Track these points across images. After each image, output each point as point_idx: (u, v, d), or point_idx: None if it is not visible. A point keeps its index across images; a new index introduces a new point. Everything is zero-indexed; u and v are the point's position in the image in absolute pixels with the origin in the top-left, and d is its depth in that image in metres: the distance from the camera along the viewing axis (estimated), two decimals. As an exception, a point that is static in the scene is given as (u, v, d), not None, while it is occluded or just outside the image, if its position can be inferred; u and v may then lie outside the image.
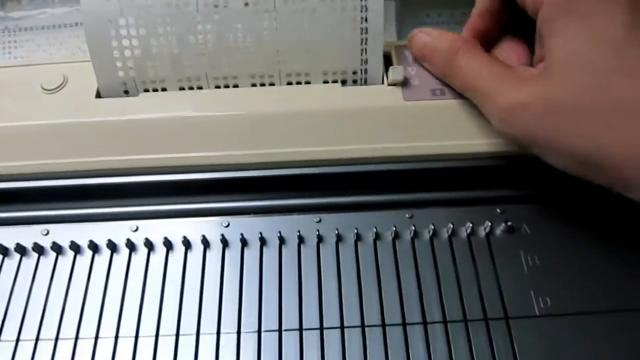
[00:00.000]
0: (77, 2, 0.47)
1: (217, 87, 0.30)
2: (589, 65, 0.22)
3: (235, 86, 0.30)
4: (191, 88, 0.30)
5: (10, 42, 0.46)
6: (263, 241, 0.28)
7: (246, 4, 0.27)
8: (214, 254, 0.28)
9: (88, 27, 0.28)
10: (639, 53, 0.22)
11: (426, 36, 0.29)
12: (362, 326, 0.26)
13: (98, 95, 0.30)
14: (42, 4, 0.47)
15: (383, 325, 0.26)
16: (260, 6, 0.28)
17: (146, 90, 0.30)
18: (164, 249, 0.28)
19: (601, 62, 0.22)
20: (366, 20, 0.28)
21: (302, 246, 0.28)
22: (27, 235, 0.29)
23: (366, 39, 0.29)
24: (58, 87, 0.30)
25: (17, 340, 0.26)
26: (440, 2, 0.47)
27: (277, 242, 0.28)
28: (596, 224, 0.29)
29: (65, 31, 0.46)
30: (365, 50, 0.29)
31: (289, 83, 0.30)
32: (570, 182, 0.29)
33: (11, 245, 0.28)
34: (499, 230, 0.29)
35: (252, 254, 0.28)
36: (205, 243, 0.28)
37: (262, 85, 0.30)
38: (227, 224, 0.29)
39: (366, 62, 0.29)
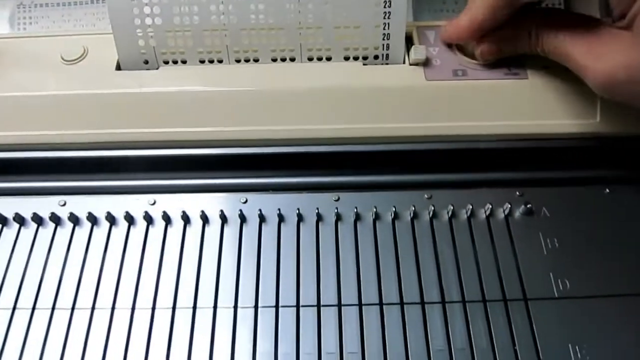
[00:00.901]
0: (94, -21, 0.46)
1: (237, 60, 0.30)
2: None
3: (256, 60, 0.30)
4: (211, 61, 0.30)
5: (26, 18, 0.46)
6: (281, 218, 0.28)
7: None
8: (231, 230, 0.28)
9: (110, -2, 0.28)
10: None
11: (495, 42, 0.29)
12: (380, 304, 0.25)
13: (118, 67, 0.30)
14: (58, -19, 0.47)
15: (401, 303, 0.25)
16: None
17: (166, 62, 0.30)
18: (182, 223, 0.28)
19: None
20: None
21: (320, 224, 0.28)
22: (44, 205, 0.29)
23: (389, 15, 0.28)
24: (78, 58, 0.30)
25: (33, 308, 0.25)
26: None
27: (296, 219, 0.28)
28: (616, 208, 0.29)
29: (81, 8, 0.45)
30: (388, 25, 0.29)
31: (310, 58, 0.30)
32: (591, 165, 0.29)
33: (28, 215, 0.28)
34: (518, 212, 0.28)
35: (270, 230, 0.28)
36: (223, 218, 0.28)
37: (283, 60, 0.30)
38: (245, 200, 0.29)
39: (388, 38, 0.29)
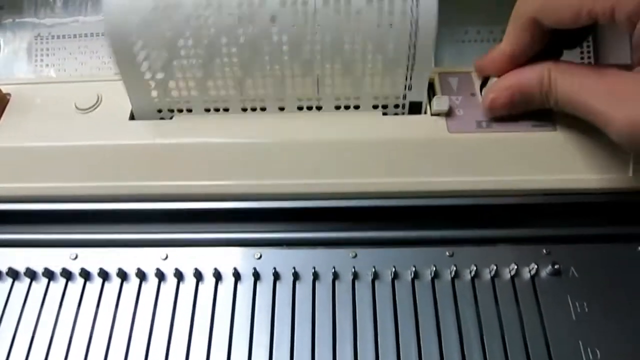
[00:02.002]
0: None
1: (253, 109, 0.29)
2: None
3: (282, 109, 0.29)
4: (226, 109, 0.29)
5: (43, 49, 0.46)
6: (296, 276, 0.27)
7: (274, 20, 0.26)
8: (245, 287, 0.27)
9: (116, 46, 0.27)
10: None
11: (508, 88, 0.27)
12: (399, 370, 0.24)
13: (132, 117, 0.29)
14: (74, 12, 0.46)
15: (420, 368, 0.24)
16: (300, 26, 0.26)
17: (180, 111, 0.29)
18: (194, 280, 0.27)
19: None
20: (415, 47, 0.26)
21: (336, 282, 0.27)
22: (56, 258, 0.28)
23: (412, 64, 0.27)
24: (92, 106, 0.29)
25: None
26: (479, 20, 0.45)
27: (311, 277, 0.27)
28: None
29: (97, 40, 0.45)
30: (411, 75, 0.27)
31: (327, 107, 0.29)
32: (622, 221, 0.28)
33: (39, 269, 0.28)
34: (545, 272, 0.27)
35: (284, 288, 0.27)
36: (237, 276, 0.27)
37: (300, 109, 0.29)
38: (259, 255, 0.28)
39: (410, 88, 0.28)
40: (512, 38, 0.27)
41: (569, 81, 0.25)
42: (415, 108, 0.29)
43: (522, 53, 0.27)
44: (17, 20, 0.47)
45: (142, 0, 0.26)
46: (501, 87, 0.27)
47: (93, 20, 0.46)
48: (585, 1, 0.24)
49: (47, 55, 0.46)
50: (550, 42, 0.27)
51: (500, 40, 0.43)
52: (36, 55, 0.46)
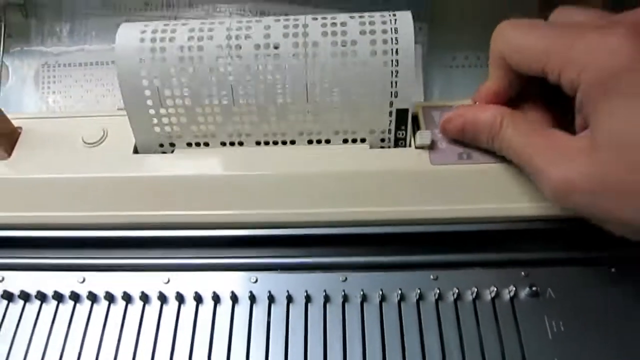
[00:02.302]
0: (114, 40, 0.48)
1: (258, 143, 0.31)
2: (637, 144, 0.22)
3: (267, 143, 0.31)
4: (223, 143, 0.31)
5: (50, 77, 0.48)
6: (289, 299, 0.29)
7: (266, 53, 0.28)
8: (242, 309, 0.29)
9: (124, 88, 0.29)
10: None
11: (462, 116, 0.29)
12: (386, 390, 0.26)
13: (135, 151, 0.31)
14: (80, 41, 0.49)
15: (406, 389, 0.26)
16: (291, 62, 0.28)
17: (189, 145, 0.31)
18: (194, 303, 0.29)
19: None
20: (396, 85, 0.28)
21: (327, 305, 0.29)
22: (65, 282, 0.30)
23: (396, 100, 0.29)
24: (98, 141, 0.31)
25: None
26: (467, 45, 0.47)
27: (304, 299, 0.29)
28: (626, 290, 0.29)
29: (101, 68, 0.47)
30: (394, 111, 0.29)
31: (317, 141, 0.31)
32: (598, 245, 0.30)
33: (50, 292, 0.30)
34: (524, 294, 0.29)
35: (278, 310, 0.29)
36: (234, 298, 0.29)
37: (292, 142, 0.31)
38: (255, 279, 0.30)
39: (394, 123, 0.30)
40: (491, 75, 0.29)
41: (518, 132, 0.27)
42: (400, 141, 0.31)
43: (503, 90, 0.29)
44: (24, 48, 0.49)
45: (149, 47, 0.28)
46: (458, 113, 0.29)
47: (98, 49, 0.48)
48: (541, 57, 0.25)
49: (54, 82, 0.48)
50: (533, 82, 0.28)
51: (484, 66, 0.46)
52: (43, 83, 0.48)
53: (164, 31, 0.29)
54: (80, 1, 0.49)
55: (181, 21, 0.29)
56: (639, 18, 0.24)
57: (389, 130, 0.30)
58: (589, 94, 0.24)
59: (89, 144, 0.31)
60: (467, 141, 0.29)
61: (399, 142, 0.30)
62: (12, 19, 0.49)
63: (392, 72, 0.28)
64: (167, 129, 0.30)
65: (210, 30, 0.29)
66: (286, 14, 0.31)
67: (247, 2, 0.46)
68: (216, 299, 0.29)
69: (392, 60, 0.28)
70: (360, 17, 0.28)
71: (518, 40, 0.26)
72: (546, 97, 0.29)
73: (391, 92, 0.28)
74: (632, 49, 0.23)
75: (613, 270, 0.30)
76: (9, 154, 0.32)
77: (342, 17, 0.28)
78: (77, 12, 0.49)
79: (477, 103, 0.30)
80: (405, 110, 0.29)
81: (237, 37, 0.28)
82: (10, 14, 0.49)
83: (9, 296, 0.30)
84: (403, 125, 0.29)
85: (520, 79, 0.28)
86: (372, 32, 0.28)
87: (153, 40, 0.29)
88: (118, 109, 0.32)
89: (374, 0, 0.46)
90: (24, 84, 0.49)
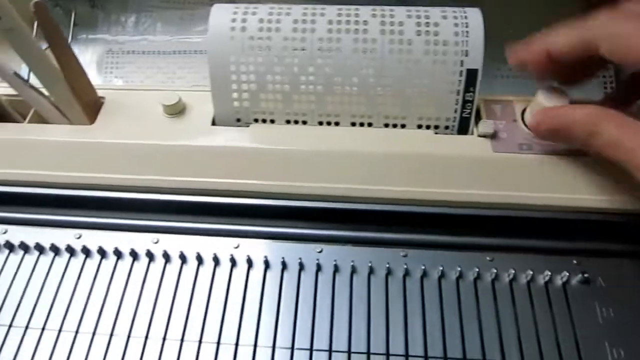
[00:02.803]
0: (177, 33, 0.51)
1: (321, 123, 0.33)
2: None
3: (337, 124, 0.33)
4: (296, 122, 0.33)
5: (113, 63, 0.51)
6: (353, 270, 0.30)
7: (355, 50, 0.30)
8: (308, 277, 0.30)
9: (212, 62, 0.31)
10: None
11: (555, 117, 0.29)
12: (445, 358, 0.27)
13: (213, 123, 0.33)
14: (144, 32, 0.51)
15: (464, 359, 0.27)
16: (368, 54, 0.31)
17: (256, 121, 0.33)
18: (263, 267, 0.31)
19: None
20: (466, 44, 0.30)
21: (389, 277, 0.30)
22: (140, 242, 0.32)
23: (463, 90, 0.31)
24: (178, 112, 0.33)
25: (42, 329, 0.29)
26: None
27: (367, 271, 0.30)
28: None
29: (164, 58, 0.50)
30: (461, 99, 0.31)
31: (386, 125, 0.33)
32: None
33: (126, 250, 0.31)
34: (575, 280, 0.30)
35: (342, 280, 0.30)
36: (301, 266, 0.30)
37: (362, 125, 0.33)
38: (321, 250, 0.31)
39: (460, 111, 0.32)
40: (563, 42, 0.28)
41: (618, 130, 0.26)
42: (462, 130, 0.33)
43: (563, 59, 0.28)
44: (90, 36, 0.52)
45: (242, 29, 0.31)
46: (549, 114, 0.29)
47: (160, 39, 0.51)
48: None
49: (116, 68, 0.51)
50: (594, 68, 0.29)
51: (525, 77, 0.48)
52: (106, 68, 0.51)
53: (253, 13, 0.31)
54: (146, -6, 0.52)
55: (268, 6, 0.31)
56: None
57: (454, 118, 0.32)
58: None
59: (169, 114, 0.33)
60: (560, 141, 0.30)
61: (464, 121, 0.32)
62: (80, 9, 0.52)
63: (462, 32, 0.30)
64: (246, 104, 0.32)
65: (312, 22, 0.31)
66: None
67: None
68: (284, 265, 0.31)
69: (462, 31, 0.30)
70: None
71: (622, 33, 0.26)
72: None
73: (461, 51, 0.30)
74: None
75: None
76: (93, 121, 0.34)
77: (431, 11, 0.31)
78: (143, 4, 0.52)
79: (521, 56, 0.30)
80: (475, 71, 0.30)
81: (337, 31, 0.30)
82: (78, 5, 0.52)
83: (87, 252, 0.31)
84: (472, 87, 0.30)
85: (589, 64, 0.28)
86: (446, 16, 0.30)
87: (244, 21, 0.31)
88: (193, 86, 0.34)
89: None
90: (87, 68, 0.50)
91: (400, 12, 0.30)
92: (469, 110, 0.31)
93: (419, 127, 0.33)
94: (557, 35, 0.28)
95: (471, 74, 0.30)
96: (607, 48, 0.26)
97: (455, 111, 0.32)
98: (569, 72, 0.30)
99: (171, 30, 0.51)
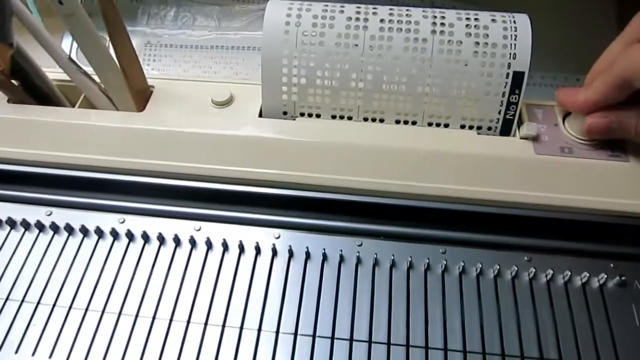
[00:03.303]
0: (215, 28, 0.52)
1: (365, 119, 0.34)
2: None
3: (382, 121, 0.34)
4: (342, 117, 0.34)
5: (150, 55, 0.52)
6: (393, 264, 0.31)
7: (406, 49, 0.31)
8: (347, 270, 0.31)
9: (265, 55, 0.32)
10: None
11: (608, 116, 0.31)
12: (484, 353, 0.28)
13: (260, 115, 0.34)
14: (183, 26, 0.52)
15: (502, 355, 0.28)
16: (418, 53, 0.31)
17: (302, 115, 0.34)
18: (304, 258, 0.31)
19: None
20: (515, 47, 0.31)
21: (428, 273, 0.31)
22: (183, 228, 0.32)
23: (508, 92, 0.32)
24: (226, 103, 0.34)
25: (86, 309, 0.29)
26: (543, 66, 0.50)
27: (406, 266, 0.31)
28: None
29: (201, 52, 0.51)
30: (507, 101, 0.32)
31: (430, 124, 0.33)
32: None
33: (169, 236, 0.32)
34: (612, 283, 0.31)
35: (382, 274, 0.31)
36: (341, 258, 0.31)
37: (406, 123, 0.34)
38: (360, 243, 0.32)
39: (504, 112, 0.32)
40: (602, 90, 0.31)
41: None
42: (504, 132, 0.33)
43: (606, 104, 0.31)
44: (129, 28, 0.53)
45: (296, 24, 0.31)
46: (600, 115, 0.31)
47: (199, 34, 0.52)
48: None
49: (154, 60, 0.52)
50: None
51: (561, 85, 0.48)
52: (144, 60, 0.52)
53: (308, 10, 0.32)
54: (187, -10, 0.53)
55: (322, 3, 0.32)
56: None
57: (497, 120, 0.33)
58: None
59: (217, 104, 0.34)
60: (614, 137, 0.31)
61: (507, 123, 0.33)
62: (121, 1, 0.53)
63: (510, 35, 0.31)
64: (294, 97, 0.33)
65: (366, 19, 0.31)
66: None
67: None
68: (325, 256, 0.31)
69: (510, 35, 0.31)
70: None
71: None
72: None
73: (510, 54, 0.31)
74: None
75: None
76: (142, 109, 0.35)
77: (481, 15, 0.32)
78: (182, 0, 0.53)
79: (566, 104, 0.33)
80: (522, 74, 0.31)
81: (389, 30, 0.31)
82: (120, -2, 0.53)
83: (130, 236, 0.32)
84: (517, 89, 0.31)
85: (627, 96, 0.30)
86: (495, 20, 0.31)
87: (298, 17, 0.32)
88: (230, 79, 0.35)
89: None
90: (125, 59, 0.52)
91: (450, 14, 0.31)
92: (512, 112, 0.32)
93: (462, 127, 0.33)
94: (597, 88, 0.31)
95: (517, 77, 0.31)
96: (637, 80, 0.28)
97: (500, 112, 0.32)
98: None
99: (209, 25, 0.52)
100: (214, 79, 0.48)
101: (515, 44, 0.31)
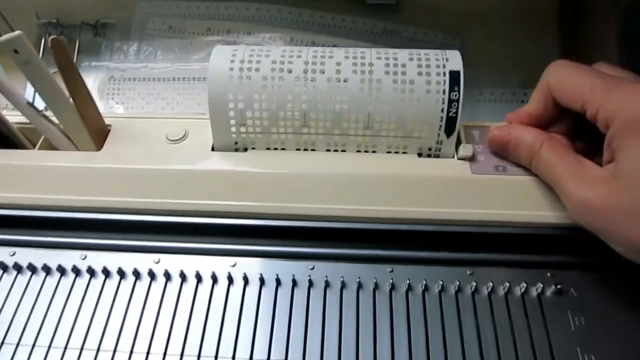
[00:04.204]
0: (177, 60, 0.54)
1: (313, 150, 0.36)
2: None
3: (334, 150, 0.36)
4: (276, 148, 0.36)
5: (114, 89, 0.53)
6: (343, 285, 0.33)
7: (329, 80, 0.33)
8: (300, 293, 0.32)
9: (212, 95, 0.34)
10: None
11: (510, 134, 0.33)
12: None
13: (213, 149, 0.36)
14: (145, 59, 0.54)
15: (446, 368, 0.30)
16: (342, 83, 0.33)
17: (254, 148, 0.36)
18: (258, 284, 0.33)
19: None
20: (448, 104, 0.33)
21: (376, 292, 0.32)
22: (141, 262, 0.34)
23: (445, 119, 0.34)
24: (180, 138, 0.36)
25: (49, 347, 0.30)
26: (493, 82, 0.52)
27: (356, 286, 0.33)
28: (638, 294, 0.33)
29: (163, 84, 0.53)
30: (444, 127, 0.34)
31: (374, 151, 0.35)
32: (615, 255, 0.34)
33: (129, 270, 0.33)
34: (549, 291, 0.33)
35: (333, 295, 0.32)
36: (294, 282, 0.33)
37: (344, 151, 0.36)
38: (312, 266, 0.34)
39: (442, 140, 0.34)
40: (532, 99, 0.34)
41: (554, 155, 0.31)
42: (448, 131, 0.35)
43: (540, 115, 0.33)
44: (93, 63, 0.55)
45: (235, 65, 0.33)
46: (505, 130, 0.34)
47: (161, 67, 0.53)
48: (583, 95, 0.29)
49: (118, 94, 0.53)
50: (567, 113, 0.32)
51: (512, 100, 0.51)
52: (108, 94, 0.53)
53: (250, 61, 0.34)
54: (148, 24, 0.54)
55: (265, 48, 0.34)
56: None
57: (438, 142, 0.35)
58: (619, 133, 0.28)
59: (172, 140, 0.36)
60: (508, 156, 0.34)
61: (451, 121, 0.34)
62: (84, 37, 0.55)
63: (443, 99, 0.33)
64: (243, 136, 0.35)
65: (290, 62, 0.34)
66: (334, 45, 0.36)
67: (299, 32, 0.52)
68: (278, 281, 0.33)
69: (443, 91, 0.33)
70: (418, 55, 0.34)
71: (567, 77, 0.31)
72: (576, 129, 0.34)
73: (441, 116, 0.34)
74: None
75: (628, 275, 0.33)
76: (100, 147, 0.36)
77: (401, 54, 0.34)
78: (144, 34, 0.55)
79: (512, 122, 0.34)
80: (457, 72, 0.33)
81: (312, 71, 0.34)
82: (82, 33, 0.55)
83: (91, 272, 0.34)
84: (456, 85, 0.33)
85: (555, 110, 0.33)
86: (428, 66, 0.34)
87: (242, 62, 0.34)
88: (196, 113, 0.37)
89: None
90: (90, 94, 0.54)
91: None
92: (455, 110, 0.34)
93: (404, 152, 0.35)
94: (531, 98, 0.34)
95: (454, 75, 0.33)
96: (552, 90, 0.32)
97: (442, 111, 0.34)
98: None
99: (171, 58, 0.54)
100: (174, 111, 0.50)
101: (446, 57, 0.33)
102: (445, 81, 0.33)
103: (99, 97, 0.53)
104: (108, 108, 0.53)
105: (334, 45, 0.45)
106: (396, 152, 0.36)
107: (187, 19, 0.54)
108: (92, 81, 0.54)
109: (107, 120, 0.38)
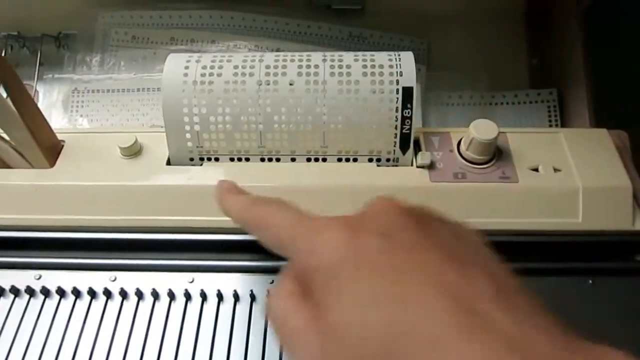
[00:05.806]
0: (140, 71, 0.53)
1: (263, 159, 0.35)
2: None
3: (293, 160, 0.35)
4: (247, 159, 0.35)
5: (78, 101, 0.52)
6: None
7: (291, 90, 0.33)
8: (259, 309, 0.32)
9: (166, 107, 0.33)
10: None
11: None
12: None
13: (168, 163, 0.35)
14: (109, 71, 0.53)
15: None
16: (295, 93, 0.33)
17: (209, 159, 0.35)
18: (217, 300, 0.32)
19: None
20: (400, 66, 0.33)
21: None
22: (96, 280, 0.33)
23: (401, 125, 0.33)
24: (134, 153, 0.35)
25: None
26: (461, 85, 0.52)
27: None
28: (603, 297, 0.32)
29: (128, 95, 0.52)
30: (400, 134, 0.34)
31: (329, 159, 0.35)
32: (572, 257, 0.33)
33: (84, 289, 0.33)
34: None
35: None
36: (252, 297, 0.32)
37: (308, 160, 0.35)
38: (271, 281, 0.33)
39: (399, 144, 0.34)
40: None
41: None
42: (403, 146, 0.35)
43: None
44: (56, 75, 0.54)
45: (190, 74, 0.33)
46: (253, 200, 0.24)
47: (124, 77, 0.53)
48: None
49: (82, 107, 0.52)
50: None
51: (480, 103, 0.50)
52: (72, 107, 0.52)
53: (204, 67, 0.33)
54: (111, 34, 0.54)
55: (219, 55, 0.34)
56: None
57: (394, 151, 0.34)
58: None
59: (125, 156, 0.35)
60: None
61: (405, 137, 0.34)
62: (46, 49, 0.54)
63: (397, 102, 0.32)
64: (199, 149, 0.34)
65: (244, 68, 0.33)
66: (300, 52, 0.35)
67: (264, 39, 0.51)
68: (236, 297, 0.32)
69: (397, 91, 0.33)
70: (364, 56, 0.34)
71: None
72: None
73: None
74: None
75: (590, 282, 0.33)
76: (53, 164, 0.35)
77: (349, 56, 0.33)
78: (107, 45, 0.54)
79: None
80: (410, 89, 0.33)
81: (267, 82, 0.33)
82: (45, 45, 0.54)
83: (46, 292, 0.33)
84: (409, 103, 0.33)
85: None
86: (381, 66, 0.33)
87: (196, 71, 0.33)
88: (151, 126, 0.36)
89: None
90: (53, 107, 0.53)
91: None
92: (408, 127, 0.33)
93: (362, 160, 0.35)
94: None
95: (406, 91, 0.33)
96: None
97: (395, 144, 0.34)
98: None
99: (134, 68, 0.53)
100: (139, 122, 0.49)
101: (400, 64, 0.33)
102: (398, 99, 0.33)
103: (63, 110, 0.53)
104: (72, 121, 0.52)
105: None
106: (355, 160, 0.35)
107: (151, 29, 0.53)
108: (55, 94, 0.53)
109: (60, 136, 0.37)
